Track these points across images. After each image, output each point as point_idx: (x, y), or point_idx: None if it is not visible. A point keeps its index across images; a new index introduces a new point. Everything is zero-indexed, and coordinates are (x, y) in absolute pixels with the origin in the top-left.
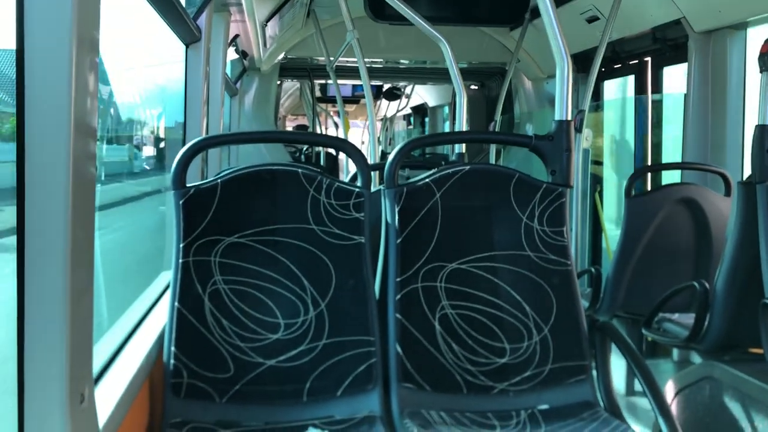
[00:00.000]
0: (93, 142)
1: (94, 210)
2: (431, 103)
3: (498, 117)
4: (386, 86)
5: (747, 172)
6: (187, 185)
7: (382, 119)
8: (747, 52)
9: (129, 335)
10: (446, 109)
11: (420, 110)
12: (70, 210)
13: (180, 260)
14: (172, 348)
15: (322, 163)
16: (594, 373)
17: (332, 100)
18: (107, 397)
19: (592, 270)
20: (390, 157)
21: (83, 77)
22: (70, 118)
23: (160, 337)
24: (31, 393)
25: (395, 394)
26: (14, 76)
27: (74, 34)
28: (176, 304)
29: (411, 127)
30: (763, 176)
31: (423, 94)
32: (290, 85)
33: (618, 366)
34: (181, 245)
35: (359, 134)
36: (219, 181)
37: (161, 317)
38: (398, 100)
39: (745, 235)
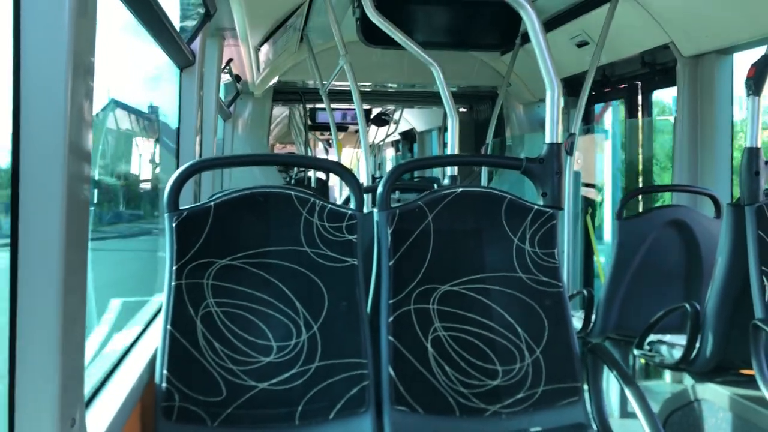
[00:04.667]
0: (88, 166)
1: (88, 234)
2: (419, 129)
3: (489, 140)
4: (375, 112)
5: (736, 193)
6: (180, 208)
7: (370, 145)
8: (734, 75)
9: (121, 358)
10: (434, 135)
11: (408, 136)
12: (64, 234)
13: (172, 282)
14: (164, 371)
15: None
16: (586, 395)
17: (321, 127)
18: (98, 420)
19: (584, 292)
20: (383, 180)
21: (78, 102)
22: (65, 142)
23: (152, 360)
24: (21, 416)
25: (388, 417)
26: None
27: (70, 60)
28: (168, 326)
29: (399, 153)
30: (752, 198)
31: (411, 119)
32: (278, 112)
33: (611, 388)
34: (174, 267)
35: (347, 161)
36: (212, 203)
37: (153, 340)
38: (387, 126)
39: (734, 257)
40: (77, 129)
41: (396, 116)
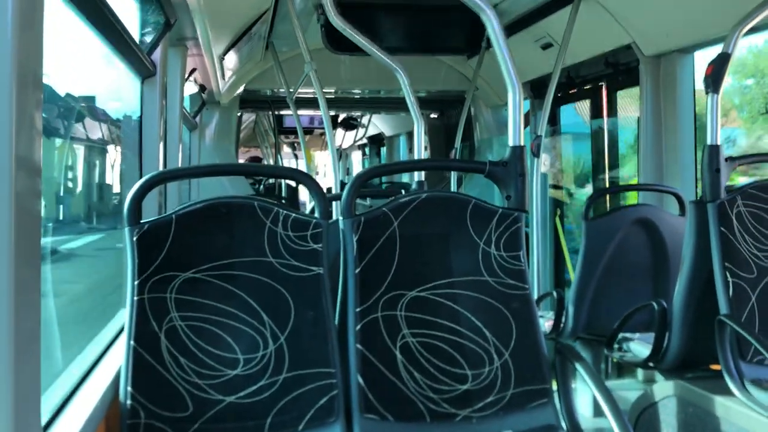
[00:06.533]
0: (38, 179)
1: (40, 249)
2: (388, 133)
3: (458, 144)
4: (342, 116)
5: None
6: (142, 221)
7: (337, 149)
8: (695, 74)
9: (84, 376)
10: (403, 139)
11: (376, 140)
12: (13, 250)
13: (135, 298)
14: (129, 388)
15: (283, 194)
16: (557, 396)
17: (288, 131)
18: None
19: (554, 293)
20: (347, 187)
21: (27, 114)
22: (11, 156)
23: (116, 378)
24: None
25: (358, 425)
26: None
27: (15, 70)
28: (132, 342)
29: (366, 157)
30: (713, 195)
31: (380, 123)
32: (245, 116)
33: (584, 388)
34: (136, 282)
35: (320, 166)
36: (173, 216)
37: (117, 357)
38: (355, 130)
39: (699, 253)
40: (26, 142)
41: (365, 120)
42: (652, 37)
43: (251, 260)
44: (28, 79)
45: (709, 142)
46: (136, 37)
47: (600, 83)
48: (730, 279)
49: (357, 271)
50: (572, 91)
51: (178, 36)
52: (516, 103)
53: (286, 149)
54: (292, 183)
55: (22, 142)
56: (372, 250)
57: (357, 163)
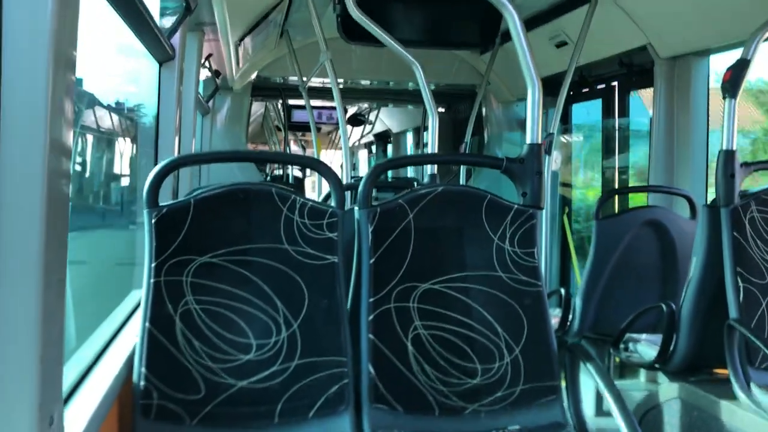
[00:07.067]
0: (67, 162)
1: (68, 229)
2: (395, 129)
3: (468, 139)
4: (350, 112)
5: (711, 195)
6: (160, 204)
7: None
8: (710, 77)
9: (99, 355)
10: (408, 135)
11: (383, 137)
12: (44, 229)
13: (151, 280)
14: (142, 369)
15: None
16: (564, 393)
17: (295, 126)
18: (76, 419)
19: (561, 291)
20: (364, 178)
21: (59, 97)
22: (45, 138)
23: (130, 358)
24: None
25: (367, 415)
26: None
27: (51, 53)
28: (147, 324)
29: (372, 155)
30: (727, 200)
31: (386, 120)
32: (254, 111)
33: (587, 386)
34: (153, 265)
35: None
36: (192, 200)
37: (131, 337)
38: (362, 126)
39: (709, 258)
40: (58, 124)
41: (372, 116)
42: (669, 39)
43: (267, 246)
44: (62, 61)
45: (724, 147)
46: (157, 21)
47: (613, 83)
48: (741, 284)
49: (371, 261)
50: (585, 90)
51: (197, 21)
52: (535, 101)
53: (293, 147)
54: (299, 174)
55: (55, 123)
56: (387, 241)
57: (363, 161)
